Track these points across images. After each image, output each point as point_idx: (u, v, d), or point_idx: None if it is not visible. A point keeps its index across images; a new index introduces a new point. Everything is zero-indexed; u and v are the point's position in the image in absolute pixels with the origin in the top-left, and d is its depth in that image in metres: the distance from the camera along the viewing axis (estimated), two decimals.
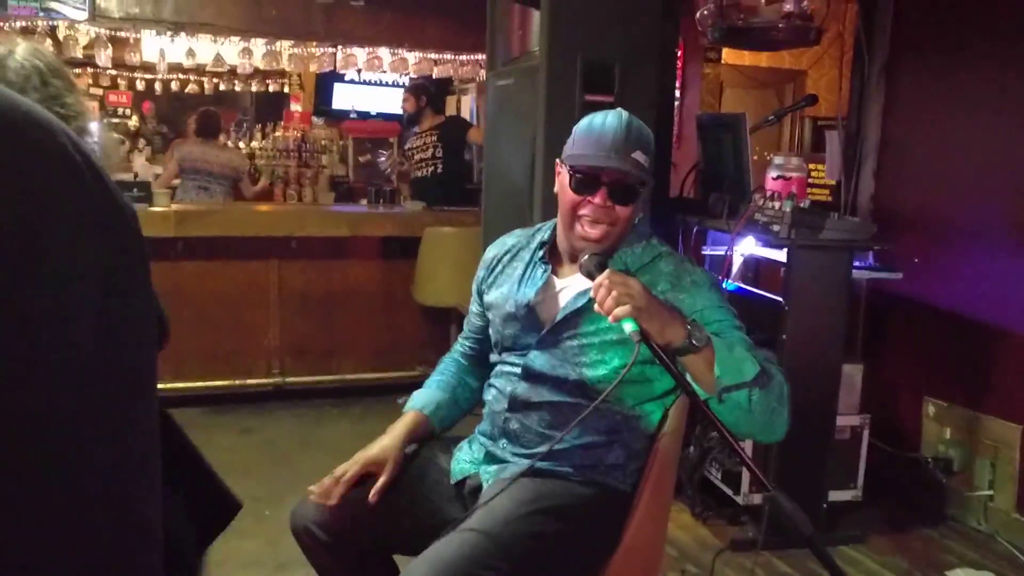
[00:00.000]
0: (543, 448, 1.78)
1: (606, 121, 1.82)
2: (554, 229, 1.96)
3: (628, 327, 1.55)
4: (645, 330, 1.55)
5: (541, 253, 1.95)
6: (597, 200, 1.79)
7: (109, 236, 0.75)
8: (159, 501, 0.84)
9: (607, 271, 1.63)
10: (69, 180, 0.71)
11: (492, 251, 2.08)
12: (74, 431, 0.71)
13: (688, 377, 1.62)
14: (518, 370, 1.89)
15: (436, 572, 1.56)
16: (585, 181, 1.80)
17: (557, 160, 1.90)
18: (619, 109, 1.86)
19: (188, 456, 1.86)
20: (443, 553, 1.60)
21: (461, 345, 2.15)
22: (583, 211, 1.81)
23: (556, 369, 1.85)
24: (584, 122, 1.87)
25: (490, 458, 1.91)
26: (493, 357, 2.01)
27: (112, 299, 0.74)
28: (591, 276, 1.67)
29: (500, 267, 2.02)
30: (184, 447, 1.85)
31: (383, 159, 6.01)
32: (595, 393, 1.73)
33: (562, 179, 1.86)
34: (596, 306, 1.60)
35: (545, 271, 1.92)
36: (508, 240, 2.07)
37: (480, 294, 2.05)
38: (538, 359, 1.87)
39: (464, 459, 1.94)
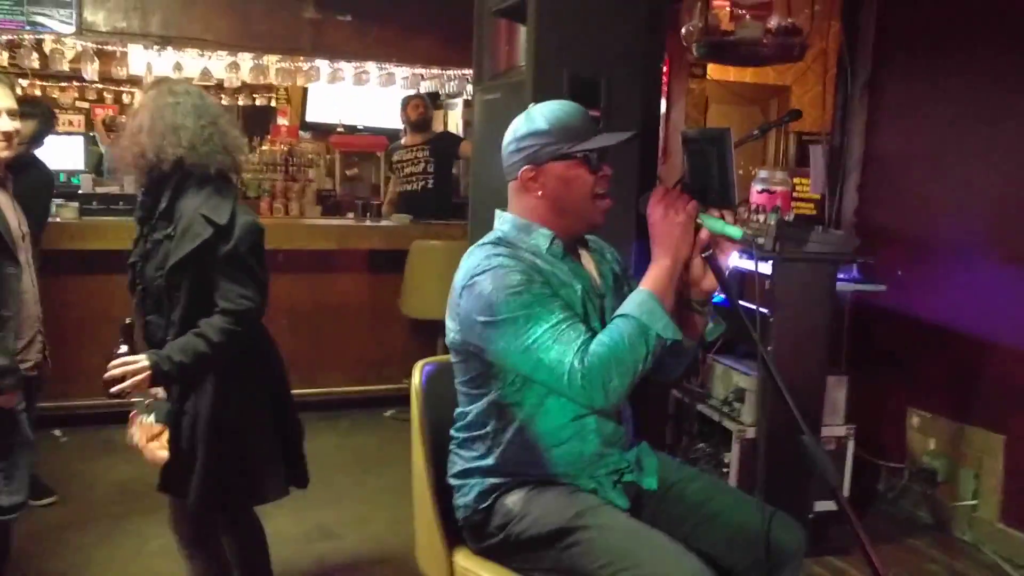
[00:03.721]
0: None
1: (567, 110, 1.90)
2: (542, 231, 1.92)
3: (733, 231, 1.81)
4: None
5: (559, 252, 1.91)
6: (607, 171, 1.90)
7: None
8: None
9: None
10: None
11: (518, 272, 1.79)
12: None
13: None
14: None
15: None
16: (597, 161, 1.87)
17: (529, 167, 1.88)
18: (542, 104, 1.92)
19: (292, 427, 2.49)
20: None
21: (584, 338, 1.74)
22: (599, 188, 1.89)
23: None
24: (549, 118, 1.88)
25: (625, 464, 1.93)
26: None
27: None
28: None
29: (543, 278, 1.84)
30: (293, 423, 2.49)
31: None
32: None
33: (563, 173, 1.87)
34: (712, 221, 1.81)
35: (575, 264, 1.95)
36: (511, 262, 1.82)
37: (556, 294, 1.83)
38: None
39: (607, 483, 1.91)
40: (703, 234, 1.81)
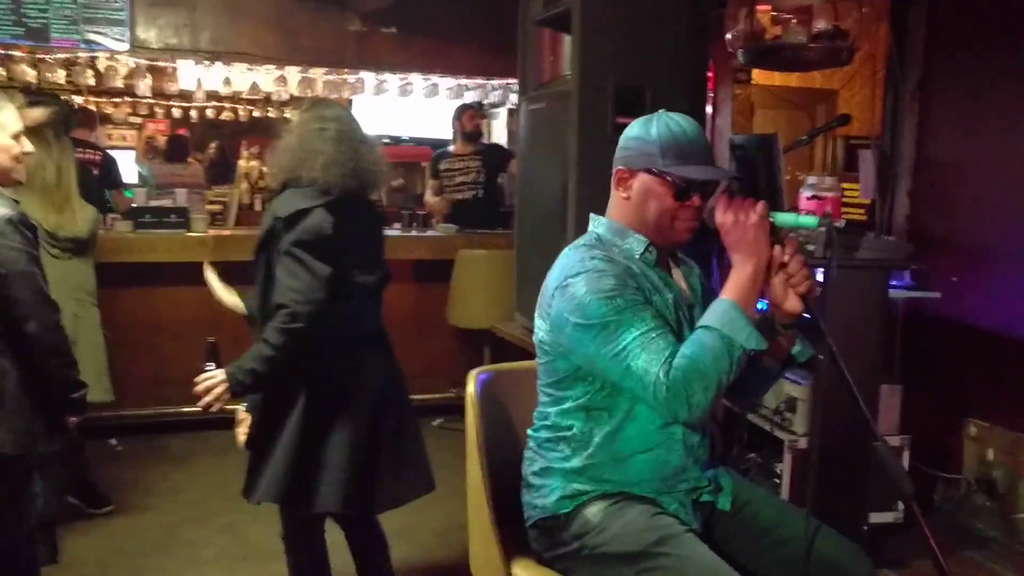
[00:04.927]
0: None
1: (686, 130, 1.85)
2: (637, 236, 1.91)
3: (807, 221, 1.80)
4: None
5: (653, 259, 1.91)
6: (696, 203, 1.85)
7: None
8: None
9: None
10: None
11: (612, 277, 1.78)
12: None
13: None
14: None
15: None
16: (687, 189, 1.84)
17: (624, 168, 1.89)
18: (668, 114, 1.87)
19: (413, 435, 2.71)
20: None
21: (672, 349, 1.71)
22: (681, 214, 1.86)
23: None
24: (661, 130, 1.85)
25: (705, 483, 1.93)
26: None
27: None
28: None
29: (636, 283, 1.83)
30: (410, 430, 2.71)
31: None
32: None
33: (649, 187, 1.86)
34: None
35: (665, 274, 1.94)
36: (605, 266, 1.81)
37: (648, 302, 1.82)
38: None
39: (687, 503, 1.90)
40: (776, 251, 1.76)
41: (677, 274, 2.00)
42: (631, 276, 1.81)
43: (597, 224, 1.96)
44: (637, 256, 1.88)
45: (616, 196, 1.93)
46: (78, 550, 3.38)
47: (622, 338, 1.72)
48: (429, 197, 5.90)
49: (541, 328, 1.91)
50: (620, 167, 1.90)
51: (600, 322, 1.74)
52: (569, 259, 1.86)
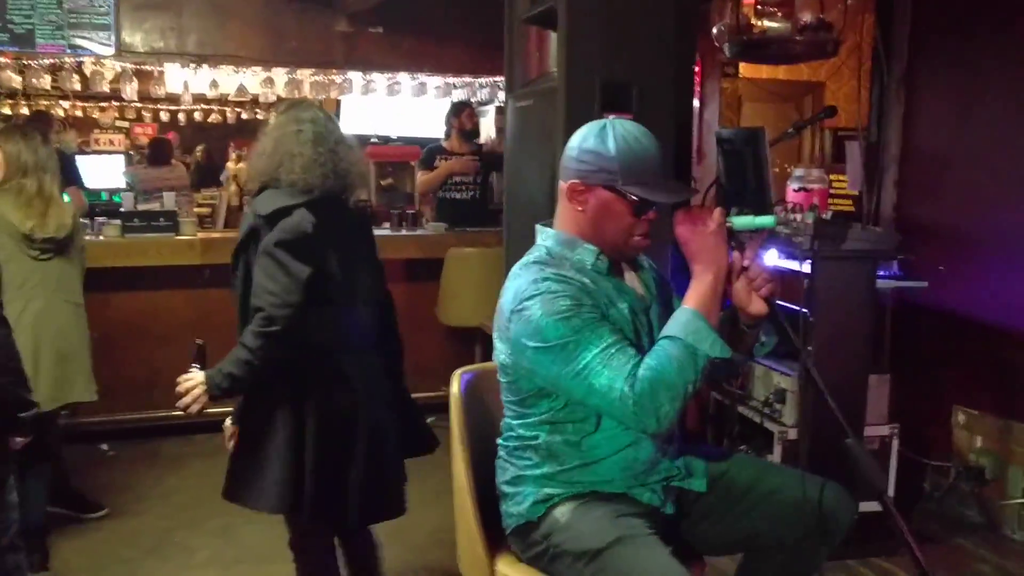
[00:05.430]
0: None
1: (644, 143, 1.83)
2: (587, 247, 1.89)
3: (764, 221, 1.84)
4: None
5: (604, 267, 1.89)
6: (652, 217, 1.86)
7: None
8: None
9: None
10: None
11: (567, 297, 1.76)
12: None
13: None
14: None
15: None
16: (645, 205, 1.83)
17: (579, 182, 1.84)
18: (622, 124, 1.85)
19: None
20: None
21: (633, 362, 1.71)
22: (637, 229, 1.86)
23: None
24: (619, 145, 1.80)
25: (676, 471, 1.94)
26: None
27: None
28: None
29: (592, 300, 1.81)
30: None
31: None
32: None
33: (608, 204, 1.84)
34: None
35: (619, 280, 1.93)
36: (559, 286, 1.78)
37: (605, 317, 1.81)
38: None
39: (654, 494, 1.91)
40: (735, 256, 1.78)
41: (630, 277, 1.98)
42: (586, 293, 1.79)
43: (545, 237, 1.93)
44: (588, 266, 1.86)
45: (568, 208, 1.89)
46: (70, 556, 3.38)
47: (582, 357, 1.71)
48: (420, 179, 5.81)
49: (502, 351, 1.89)
50: (575, 180, 1.85)
51: (559, 343, 1.73)
52: (522, 280, 1.83)
